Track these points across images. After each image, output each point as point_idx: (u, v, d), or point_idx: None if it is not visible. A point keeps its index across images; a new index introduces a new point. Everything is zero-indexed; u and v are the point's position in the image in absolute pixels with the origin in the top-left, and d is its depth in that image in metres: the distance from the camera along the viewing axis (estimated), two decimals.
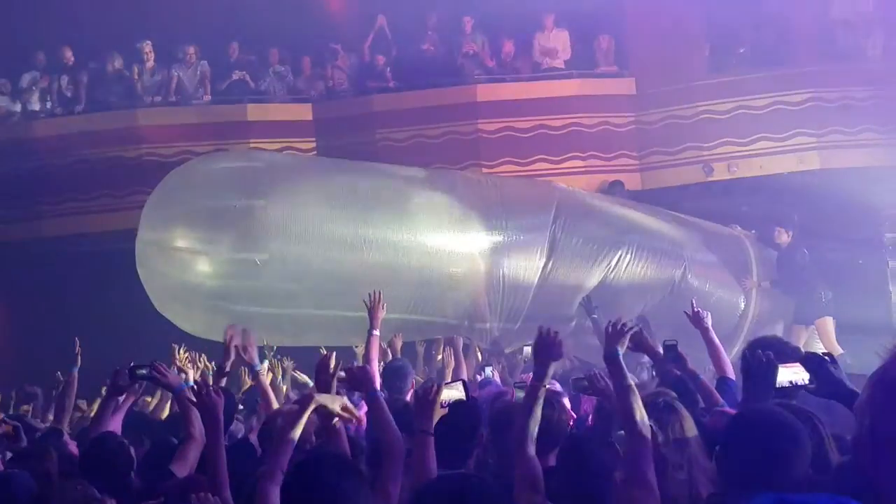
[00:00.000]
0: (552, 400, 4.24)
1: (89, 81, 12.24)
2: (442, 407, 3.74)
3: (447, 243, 8.80)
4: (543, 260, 8.90)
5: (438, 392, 3.69)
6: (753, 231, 10.75)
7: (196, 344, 7.68)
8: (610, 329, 3.74)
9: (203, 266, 8.33)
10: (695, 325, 5.64)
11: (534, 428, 3.51)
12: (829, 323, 9.89)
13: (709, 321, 5.63)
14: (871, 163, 11.45)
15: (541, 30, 12.46)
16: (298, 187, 8.77)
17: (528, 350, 8.81)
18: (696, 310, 5.69)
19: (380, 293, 6.20)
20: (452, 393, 3.88)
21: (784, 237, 10.08)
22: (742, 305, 9.93)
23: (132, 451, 4.47)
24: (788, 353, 3.91)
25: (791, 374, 3.52)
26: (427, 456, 3.58)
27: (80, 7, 12.06)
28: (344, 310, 8.04)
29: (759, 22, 12.22)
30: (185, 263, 8.38)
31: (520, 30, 12.55)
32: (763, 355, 3.56)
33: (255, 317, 8.06)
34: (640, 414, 3.32)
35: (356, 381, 3.93)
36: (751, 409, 2.90)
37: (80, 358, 6.63)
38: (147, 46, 12.06)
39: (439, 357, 8.74)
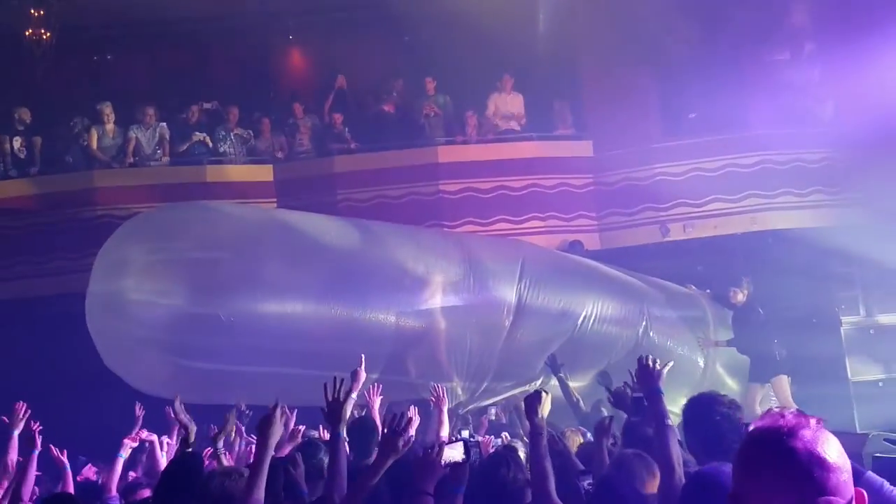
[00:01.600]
0: (508, 457, 4.24)
1: (45, 143, 12.10)
2: (444, 467, 3.70)
3: (410, 301, 8.73)
4: (510, 318, 8.90)
5: (441, 452, 3.67)
6: (708, 290, 10.92)
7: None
8: (646, 366, 3.83)
9: (157, 320, 8.04)
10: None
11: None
12: (784, 381, 10.03)
13: (661, 376, 5.70)
14: (821, 223, 11.74)
15: (498, 91, 12.67)
16: (263, 240, 8.59)
17: (493, 410, 8.80)
18: (645, 363, 5.75)
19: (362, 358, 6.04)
20: (452, 454, 3.83)
21: (740, 296, 10.24)
22: (702, 364, 10.04)
23: None
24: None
25: None
26: None
27: (35, 69, 11.99)
28: (305, 368, 7.90)
29: (709, 87, 12.59)
30: (138, 317, 8.09)
31: (480, 91, 12.74)
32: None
33: (211, 374, 7.85)
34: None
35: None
36: (707, 469, 2.90)
37: (23, 422, 6.10)
38: (107, 108, 11.98)
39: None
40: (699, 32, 11.87)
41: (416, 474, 3.66)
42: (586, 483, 4.68)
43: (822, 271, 11.60)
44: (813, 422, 1.62)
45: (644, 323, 9.53)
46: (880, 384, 11.36)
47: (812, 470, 1.56)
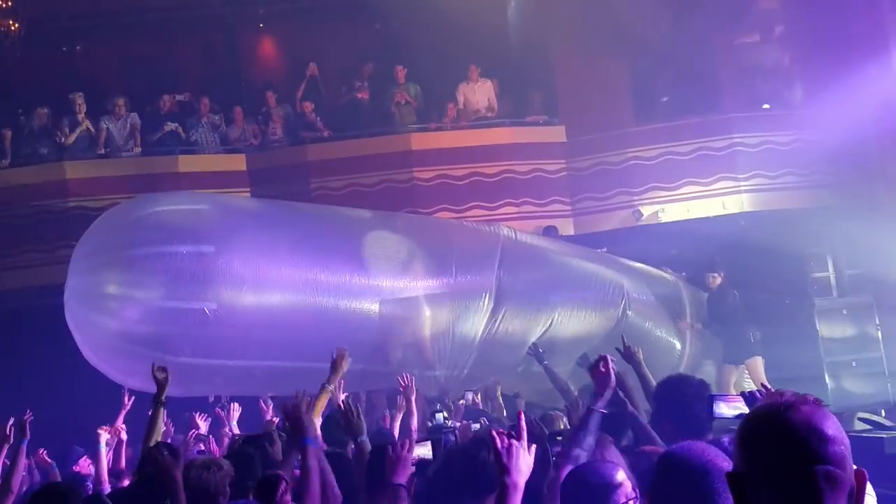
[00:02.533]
0: (489, 441, 4.27)
1: (15, 135, 12.00)
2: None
3: (391, 288, 8.69)
4: (491, 304, 8.88)
5: (411, 448, 3.84)
6: (683, 273, 10.99)
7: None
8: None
9: (138, 314, 7.91)
10: (627, 361, 5.74)
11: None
12: (758, 363, 10.13)
13: (640, 356, 5.76)
14: (793, 205, 11.85)
15: (465, 80, 12.67)
16: (243, 231, 8.49)
17: (469, 395, 8.81)
18: (626, 345, 5.81)
19: (345, 349, 6.03)
20: (421, 451, 4.07)
21: (718, 280, 10.33)
22: (678, 346, 10.10)
23: None
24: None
25: (732, 409, 3.63)
26: None
27: (4, 58, 11.89)
28: (288, 360, 7.86)
29: (681, 71, 12.64)
30: (117, 310, 7.93)
31: (451, 79, 12.73)
32: None
33: (196, 368, 7.82)
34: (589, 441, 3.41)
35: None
36: (677, 448, 2.92)
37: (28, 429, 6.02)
38: (79, 98, 11.89)
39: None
40: (670, 16, 11.90)
41: (390, 469, 3.78)
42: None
43: (795, 253, 11.69)
44: (811, 398, 1.65)
45: (623, 303, 9.53)
46: (853, 364, 11.46)
47: (810, 441, 1.58)
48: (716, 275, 10.30)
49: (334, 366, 5.90)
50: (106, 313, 7.95)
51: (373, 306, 8.49)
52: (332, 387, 5.87)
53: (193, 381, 7.95)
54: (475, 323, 8.86)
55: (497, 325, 8.89)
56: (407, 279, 8.71)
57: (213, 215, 8.70)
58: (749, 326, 10.28)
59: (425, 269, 8.79)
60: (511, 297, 8.95)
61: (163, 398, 5.61)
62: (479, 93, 12.67)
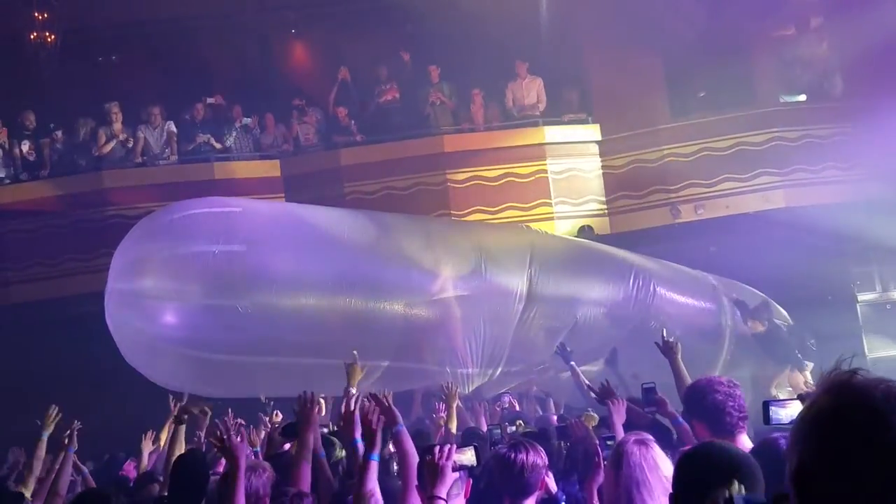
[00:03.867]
0: (527, 444, 4.14)
1: (54, 145, 12.17)
2: (453, 471, 3.53)
3: (423, 290, 8.69)
4: (522, 304, 8.84)
5: (450, 455, 3.50)
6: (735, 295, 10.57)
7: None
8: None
9: (175, 314, 8.02)
10: (664, 355, 5.71)
11: None
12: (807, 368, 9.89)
13: (678, 351, 5.70)
14: (834, 199, 11.62)
15: (513, 79, 12.58)
16: (277, 233, 8.58)
17: (506, 398, 8.77)
18: (666, 339, 5.77)
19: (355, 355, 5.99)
20: (464, 458, 3.63)
21: (759, 327, 9.95)
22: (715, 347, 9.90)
23: None
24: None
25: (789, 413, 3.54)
26: None
27: (42, 70, 12.06)
28: (324, 357, 7.86)
29: (716, 66, 12.46)
30: (155, 312, 8.04)
31: (488, 79, 12.66)
32: None
33: (231, 366, 7.89)
34: None
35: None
36: (701, 446, 2.87)
37: (53, 424, 6.36)
38: (115, 108, 12.02)
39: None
40: (704, 10, 11.74)
41: (429, 480, 3.51)
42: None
43: (837, 248, 11.48)
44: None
45: (651, 304, 9.36)
46: None
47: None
48: (755, 321, 9.88)
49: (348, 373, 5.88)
50: (141, 314, 8.05)
51: (404, 307, 8.50)
52: (353, 390, 5.82)
53: (230, 381, 8.06)
54: (507, 320, 8.83)
55: (529, 321, 8.85)
56: (438, 280, 8.71)
57: (245, 216, 8.78)
58: (805, 335, 10.00)
59: (456, 269, 8.77)
60: (543, 295, 8.90)
61: (185, 418, 5.66)
62: (528, 89, 12.54)
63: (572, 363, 8.27)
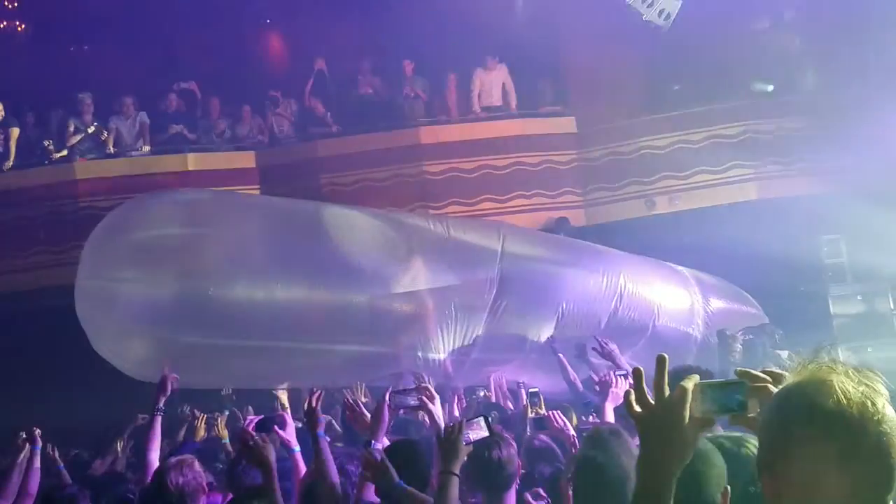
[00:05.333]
0: (497, 439, 4.18)
1: (23, 135, 11.98)
2: (466, 445, 3.65)
3: (396, 281, 8.71)
4: (492, 295, 8.87)
5: (460, 432, 3.65)
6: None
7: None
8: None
9: (145, 298, 8.07)
10: (604, 358, 5.83)
11: None
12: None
13: (614, 350, 5.81)
14: (806, 190, 11.73)
15: (482, 66, 12.53)
16: (245, 220, 8.74)
17: (481, 392, 8.77)
18: (601, 342, 5.91)
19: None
20: (475, 431, 3.78)
21: (738, 346, 9.82)
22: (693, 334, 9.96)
23: None
24: None
25: None
26: (450, 496, 3.52)
27: (11, 59, 11.86)
28: (295, 341, 7.99)
29: (691, 59, 12.52)
30: (124, 296, 8.09)
31: (460, 72, 12.64)
32: None
33: (202, 349, 7.91)
34: None
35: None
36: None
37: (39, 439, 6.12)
38: (87, 98, 11.86)
39: None
40: (680, 3, 11.78)
41: (442, 455, 3.63)
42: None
43: (809, 239, 11.59)
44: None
45: (618, 295, 9.43)
46: (869, 350, 11.36)
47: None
48: (734, 345, 9.71)
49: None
50: (111, 298, 8.13)
51: (375, 296, 8.56)
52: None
53: (201, 366, 8.05)
54: (478, 311, 8.86)
55: (501, 311, 8.89)
56: (410, 271, 8.75)
57: (212, 203, 9.01)
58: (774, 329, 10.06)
59: (425, 262, 8.81)
60: (514, 284, 8.95)
61: (162, 405, 5.60)
62: (496, 77, 12.50)
63: (560, 354, 8.35)
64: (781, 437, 1.56)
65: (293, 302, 8.30)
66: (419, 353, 8.71)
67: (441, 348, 8.77)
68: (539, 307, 9.10)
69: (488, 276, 8.91)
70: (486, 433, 3.82)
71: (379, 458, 3.77)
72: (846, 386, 1.55)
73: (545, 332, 8.92)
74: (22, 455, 5.93)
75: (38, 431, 6.05)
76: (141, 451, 6.50)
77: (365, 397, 7.26)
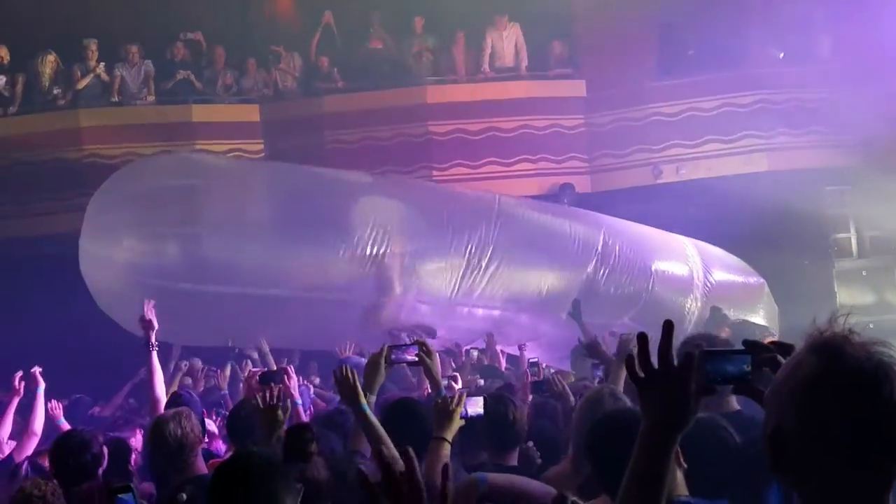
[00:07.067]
0: (507, 398, 4.35)
1: (28, 82, 11.89)
2: (462, 418, 3.73)
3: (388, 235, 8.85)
4: (486, 260, 9.00)
5: (460, 402, 3.71)
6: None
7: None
8: None
9: (138, 243, 8.41)
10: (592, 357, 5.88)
11: None
12: None
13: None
14: (817, 164, 11.59)
15: (492, 26, 12.33)
16: (237, 174, 9.39)
17: (474, 353, 8.79)
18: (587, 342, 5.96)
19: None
20: (474, 407, 3.93)
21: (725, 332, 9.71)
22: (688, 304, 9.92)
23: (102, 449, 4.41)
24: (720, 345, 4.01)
25: None
26: (439, 460, 3.53)
27: (16, 5, 11.73)
28: (283, 289, 8.31)
29: (707, 24, 12.30)
30: (119, 243, 8.45)
31: (469, 30, 12.44)
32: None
33: (200, 298, 8.13)
34: None
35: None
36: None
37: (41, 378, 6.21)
38: (93, 45, 11.75)
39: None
40: None
41: (436, 421, 3.68)
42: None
43: (816, 212, 11.49)
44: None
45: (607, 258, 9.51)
46: (871, 326, 11.30)
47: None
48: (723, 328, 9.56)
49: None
50: (110, 246, 8.49)
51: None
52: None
53: (200, 317, 8.30)
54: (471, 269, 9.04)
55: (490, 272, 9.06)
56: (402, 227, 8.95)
57: (207, 159, 9.71)
58: None
59: (416, 229, 9.00)
60: (505, 248, 9.13)
61: (154, 341, 5.63)
62: (508, 38, 12.31)
63: (583, 321, 8.38)
64: (793, 404, 1.53)
65: (274, 247, 8.54)
66: (412, 306, 8.85)
67: (433, 301, 8.86)
68: (530, 266, 9.25)
69: (482, 233, 9.02)
70: (481, 411, 3.96)
71: (346, 372, 3.85)
72: (861, 353, 1.51)
73: (536, 291, 9.10)
74: (15, 399, 6.02)
75: (38, 370, 6.14)
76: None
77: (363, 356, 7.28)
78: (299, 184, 9.29)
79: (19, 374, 6.20)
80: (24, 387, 6.18)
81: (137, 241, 8.43)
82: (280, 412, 3.93)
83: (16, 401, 6.17)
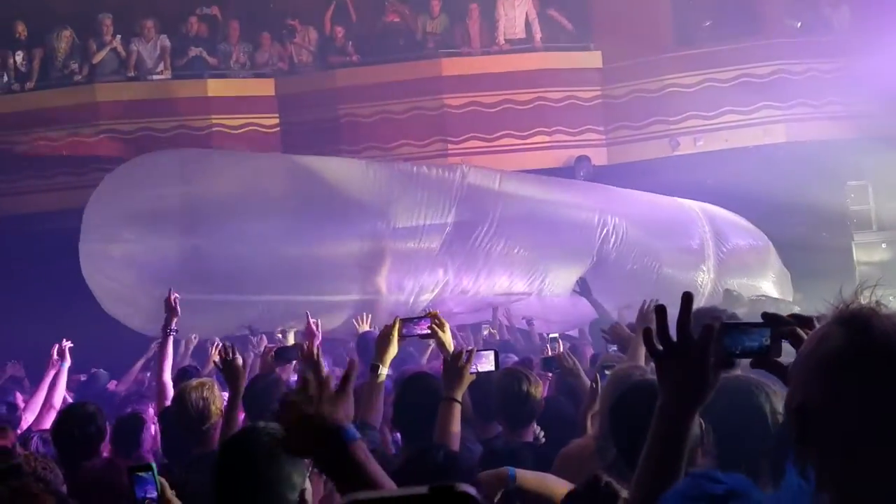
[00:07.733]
0: (524, 372, 4.30)
1: (45, 57, 11.93)
2: (471, 374, 3.65)
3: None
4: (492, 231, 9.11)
5: (469, 360, 3.60)
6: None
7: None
8: None
9: (144, 254, 8.46)
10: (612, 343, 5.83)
11: None
12: None
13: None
14: (835, 135, 11.46)
15: None
16: (232, 174, 9.32)
17: (485, 329, 8.81)
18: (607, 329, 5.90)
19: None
20: (483, 363, 3.81)
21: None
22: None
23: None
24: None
25: None
26: (451, 421, 3.53)
27: None
28: (283, 294, 8.34)
29: None
30: (126, 255, 8.52)
31: (483, 2, 12.32)
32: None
33: (199, 304, 7.99)
34: None
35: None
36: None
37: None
38: (108, 20, 11.75)
39: None
40: None
41: (445, 381, 3.62)
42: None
43: (835, 185, 11.38)
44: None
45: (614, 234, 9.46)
46: (892, 299, 11.19)
47: None
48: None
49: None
50: (109, 247, 8.64)
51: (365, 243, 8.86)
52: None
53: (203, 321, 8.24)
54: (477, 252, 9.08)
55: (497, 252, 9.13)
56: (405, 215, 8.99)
57: (203, 161, 9.62)
58: None
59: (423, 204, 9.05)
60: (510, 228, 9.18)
61: (174, 325, 5.64)
62: (519, 9, 12.20)
63: (594, 297, 8.35)
64: (820, 378, 1.49)
65: (272, 256, 8.60)
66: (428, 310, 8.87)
67: (440, 286, 8.88)
68: (536, 245, 9.22)
69: (488, 213, 9.05)
70: (492, 367, 3.87)
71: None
72: (889, 325, 1.47)
73: (543, 271, 9.10)
74: (51, 371, 6.08)
75: (68, 345, 6.20)
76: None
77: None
78: (299, 183, 9.40)
79: (56, 346, 6.26)
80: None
81: (136, 242, 8.56)
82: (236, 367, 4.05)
83: (51, 374, 6.21)
